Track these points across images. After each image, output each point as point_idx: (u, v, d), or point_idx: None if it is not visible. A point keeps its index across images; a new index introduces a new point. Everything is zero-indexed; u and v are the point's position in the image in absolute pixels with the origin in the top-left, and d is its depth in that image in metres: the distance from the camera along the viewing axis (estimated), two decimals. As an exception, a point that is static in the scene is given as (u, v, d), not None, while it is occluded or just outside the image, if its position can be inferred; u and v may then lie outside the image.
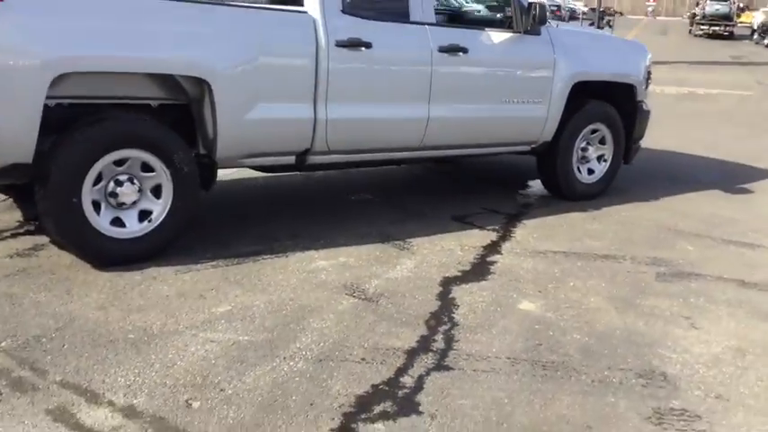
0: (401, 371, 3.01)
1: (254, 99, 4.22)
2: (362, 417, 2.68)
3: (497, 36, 5.33)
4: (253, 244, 4.44)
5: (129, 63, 3.88)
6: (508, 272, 4.28)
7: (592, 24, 25.31)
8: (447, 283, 4.04)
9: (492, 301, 3.83)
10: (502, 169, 6.99)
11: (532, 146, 5.76)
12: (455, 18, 5.84)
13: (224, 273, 3.99)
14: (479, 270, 4.28)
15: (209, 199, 4.68)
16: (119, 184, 3.95)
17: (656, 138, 7.45)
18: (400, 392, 2.85)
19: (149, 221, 4.08)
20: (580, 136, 5.93)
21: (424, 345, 3.28)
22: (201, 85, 4.07)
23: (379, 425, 2.63)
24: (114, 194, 3.94)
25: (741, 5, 38.26)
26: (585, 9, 35.62)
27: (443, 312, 3.65)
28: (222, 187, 5.29)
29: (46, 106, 3.61)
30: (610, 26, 27.48)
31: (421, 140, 5.05)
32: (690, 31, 36.39)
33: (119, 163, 3.94)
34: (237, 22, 4.22)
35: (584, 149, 6.03)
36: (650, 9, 48.73)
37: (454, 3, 6.16)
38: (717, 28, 34.74)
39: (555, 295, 3.98)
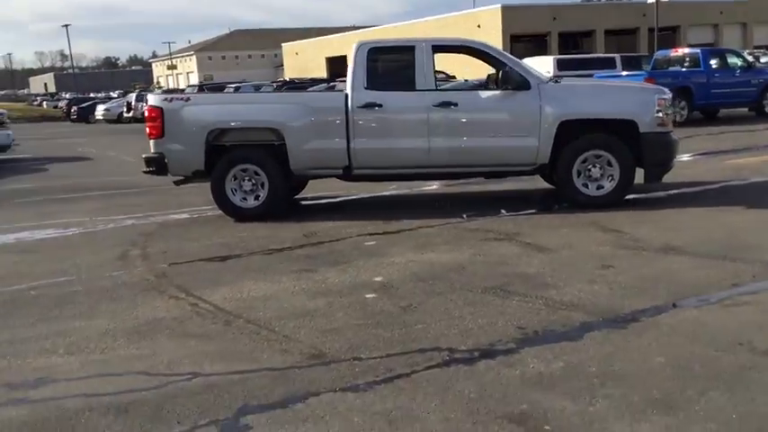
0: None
1: (310, 138, 8.15)
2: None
3: (487, 93, 8.16)
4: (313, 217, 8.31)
5: (245, 122, 8.27)
6: (415, 233, 7.26)
7: None
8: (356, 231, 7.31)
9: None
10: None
11: (532, 166, 8.21)
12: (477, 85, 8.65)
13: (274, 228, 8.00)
14: (388, 230, 7.35)
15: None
16: (243, 180, 8.32)
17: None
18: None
19: (258, 200, 8.34)
20: (578, 160, 8.05)
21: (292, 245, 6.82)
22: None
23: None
24: (241, 185, 8.33)
25: None
26: None
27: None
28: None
29: (210, 145, 8.23)
30: None
31: (427, 161, 8.19)
32: None
33: (244, 170, 8.32)
34: (299, 99, 8.28)
35: (588, 170, 8.11)
36: None
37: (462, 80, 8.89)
38: None
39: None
